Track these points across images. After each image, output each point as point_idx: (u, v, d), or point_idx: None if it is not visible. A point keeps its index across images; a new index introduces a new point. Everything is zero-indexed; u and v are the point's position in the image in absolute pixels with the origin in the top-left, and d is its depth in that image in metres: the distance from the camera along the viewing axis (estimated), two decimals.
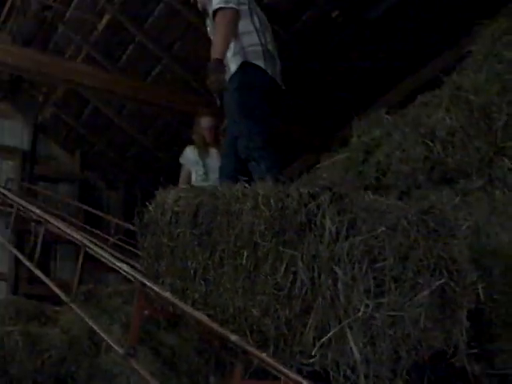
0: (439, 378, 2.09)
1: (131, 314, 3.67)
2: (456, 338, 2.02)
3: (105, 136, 9.59)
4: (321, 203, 1.92)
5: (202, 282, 2.45)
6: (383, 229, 1.89)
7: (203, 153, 5.01)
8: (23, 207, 4.82)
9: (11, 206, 5.43)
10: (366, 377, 1.85)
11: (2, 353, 3.65)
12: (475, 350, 2.06)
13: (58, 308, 4.36)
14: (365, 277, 1.84)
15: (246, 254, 2.18)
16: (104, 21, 7.31)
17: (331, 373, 1.86)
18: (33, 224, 6.55)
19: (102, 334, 3.22)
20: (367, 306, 1.80)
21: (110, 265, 3.17)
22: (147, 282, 2.68)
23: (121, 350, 2.86)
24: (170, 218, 2.66)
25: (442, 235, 2.06)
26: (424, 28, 6.16)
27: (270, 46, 3.37)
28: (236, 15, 3.20)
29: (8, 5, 7.63)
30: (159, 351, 3.66)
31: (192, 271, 2.51)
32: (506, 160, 2.52)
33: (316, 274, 1.89)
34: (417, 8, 6.01)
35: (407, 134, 2.68)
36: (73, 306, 3.34)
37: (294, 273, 1.96)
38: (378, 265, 1.87)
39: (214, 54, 3.11)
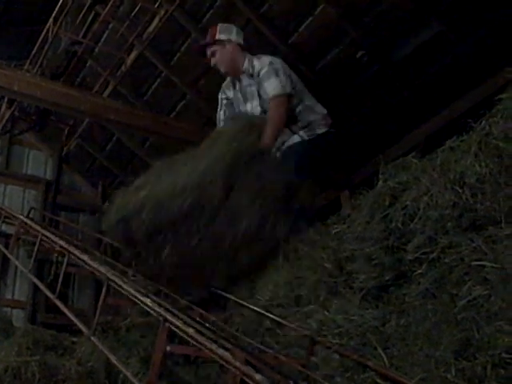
0: None
1: (150, 349, 3.65)
2: None
3: (127, 168, 9.70)
4: None
5: None
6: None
7: None
8: (47, 238, 4.86)
9: (35, 236, 5.48)
10: None
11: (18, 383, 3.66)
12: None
13: (75, 339, 4.35)
14: None
15: None
16: (132, 56, 7.47)
17: None
18: (55, 255, 6.59)
19: (121, 368, 3.20)
20: None
21: (133, 299, 3.17)
22: (171, 318, 2.68)
23: None
24: None
25: None
26: (448, 70, 6.20)
27: None
28: (290, 100, 3.22)
29: (39, 40, 7.83)
30: None
31: None
32: None
33: None
34: (442, 51, 6.06)
35: (435, 179, 2.68)
36: (94, 339, 3.34)
37: None
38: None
39: (267, 140, 3.13)
